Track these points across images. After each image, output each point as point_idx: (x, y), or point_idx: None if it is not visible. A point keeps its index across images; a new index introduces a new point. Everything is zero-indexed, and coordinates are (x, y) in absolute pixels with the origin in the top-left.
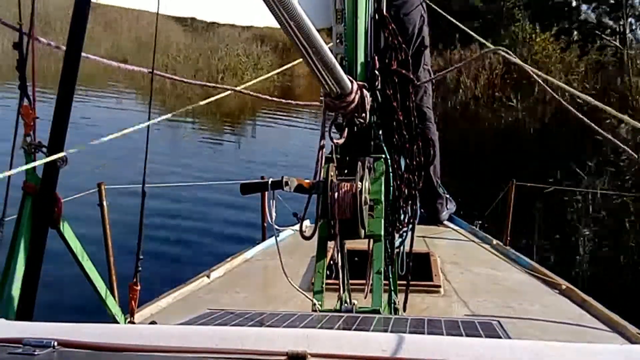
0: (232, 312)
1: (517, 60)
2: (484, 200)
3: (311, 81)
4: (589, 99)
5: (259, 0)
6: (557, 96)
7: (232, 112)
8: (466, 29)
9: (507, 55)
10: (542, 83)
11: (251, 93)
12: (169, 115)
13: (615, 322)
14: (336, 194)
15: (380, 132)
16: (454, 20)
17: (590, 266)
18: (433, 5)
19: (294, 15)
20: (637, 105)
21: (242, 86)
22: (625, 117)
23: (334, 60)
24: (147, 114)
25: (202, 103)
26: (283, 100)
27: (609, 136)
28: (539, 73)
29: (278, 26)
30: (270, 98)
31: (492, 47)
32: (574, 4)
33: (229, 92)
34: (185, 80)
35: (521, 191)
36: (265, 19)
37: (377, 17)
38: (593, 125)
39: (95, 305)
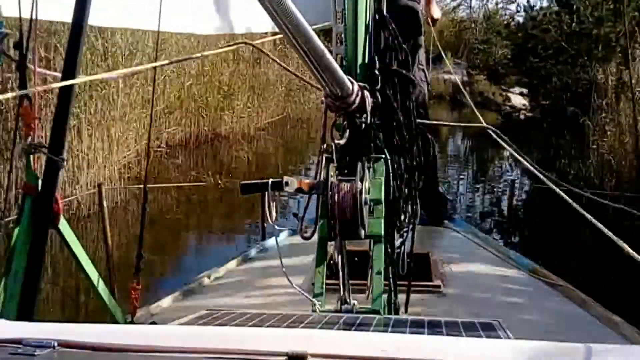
0: (232, 312)
1: (503, 140)
2: None
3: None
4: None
5: (255, 8)
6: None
7: None
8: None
9: (493, 134)
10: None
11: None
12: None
13: (615, 323)
14: (336, 195)
15: (381, 132)
16: None
17: (590, 266)
18: None
19: (291, 18)
20: None
21: (258, 41)
22: None
23: (334, 62)
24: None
25: (214, 52)
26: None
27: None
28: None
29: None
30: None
31: (484, 124)
32: None
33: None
34: (191, 57)
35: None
36: (263, 26)
37: (377, 17)
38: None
39: (95, 305)
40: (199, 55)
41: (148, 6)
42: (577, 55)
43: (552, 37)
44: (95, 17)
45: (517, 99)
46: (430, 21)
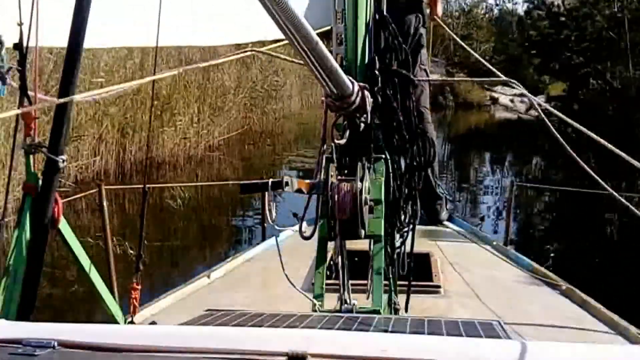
0: (232, 312)
1: (527, 95)
2: None
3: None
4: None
5: (256, 13)
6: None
7: None
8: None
9: (516, 88)
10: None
11: (272, 53)
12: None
13: (615, 323)
14: (336, 195)
15: (380, 132)
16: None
17: (590, 265)
18: None
19: (292, 19)
20: None
21: (265, 48)
22: None
23: (334, 62)
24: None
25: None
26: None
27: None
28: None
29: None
30: (289, 59)
31: (504, 77)
32: None
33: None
34: (189, 67)
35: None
36: (263, 34)
37: (377, 17)
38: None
39: (95, 305)
40: (202, 65)
41: (144, 24)
42: (625, 49)
43: (597, 25)
44: (92, 39)
45: (506, 100)
46: (436, 17)
